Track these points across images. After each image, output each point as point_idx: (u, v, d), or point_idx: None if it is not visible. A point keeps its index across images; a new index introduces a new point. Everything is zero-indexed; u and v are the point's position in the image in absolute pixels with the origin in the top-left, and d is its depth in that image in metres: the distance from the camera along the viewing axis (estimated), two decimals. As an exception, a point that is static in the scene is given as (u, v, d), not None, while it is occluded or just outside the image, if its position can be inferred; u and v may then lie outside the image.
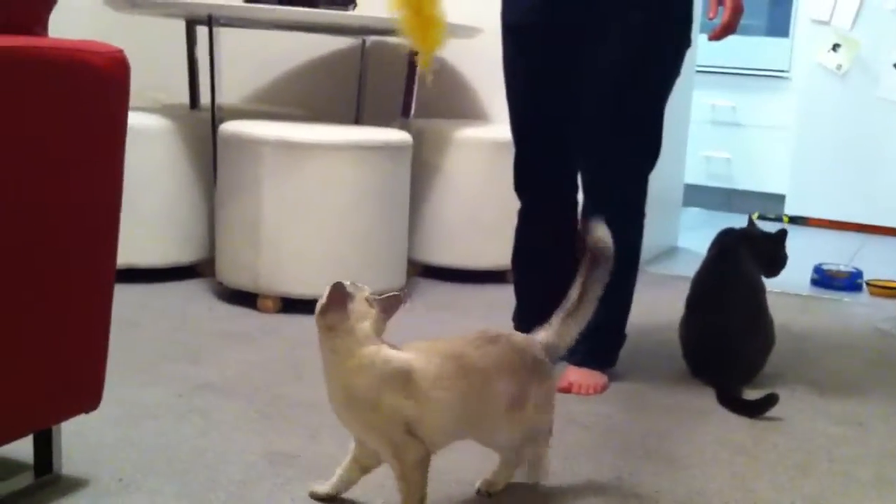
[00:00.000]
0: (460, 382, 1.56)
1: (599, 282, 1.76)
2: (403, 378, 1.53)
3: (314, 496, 1.67)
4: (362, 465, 1.65)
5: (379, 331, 1.57)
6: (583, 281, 1.76)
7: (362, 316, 1.55)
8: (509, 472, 1.73)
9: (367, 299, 1.57)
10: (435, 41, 2.17)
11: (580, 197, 2.44)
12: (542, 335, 1.73)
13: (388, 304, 1.59)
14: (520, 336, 1.71)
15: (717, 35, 2.33)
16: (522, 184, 2.51)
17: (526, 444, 1.70)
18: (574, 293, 1.75)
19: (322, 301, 1.55)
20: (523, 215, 2.55)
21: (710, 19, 2.35)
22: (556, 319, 1.74)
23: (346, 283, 1.56)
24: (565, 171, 2.47)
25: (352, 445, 1.65)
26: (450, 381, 1.55)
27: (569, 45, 2.34)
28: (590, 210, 2.39)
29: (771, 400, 2.21)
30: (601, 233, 1.76)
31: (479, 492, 1.73)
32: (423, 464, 1.55)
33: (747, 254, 2.54)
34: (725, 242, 2.57)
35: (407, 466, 1.54)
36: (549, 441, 1.75)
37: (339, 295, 1.54)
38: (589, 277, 1.75)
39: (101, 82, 1.49)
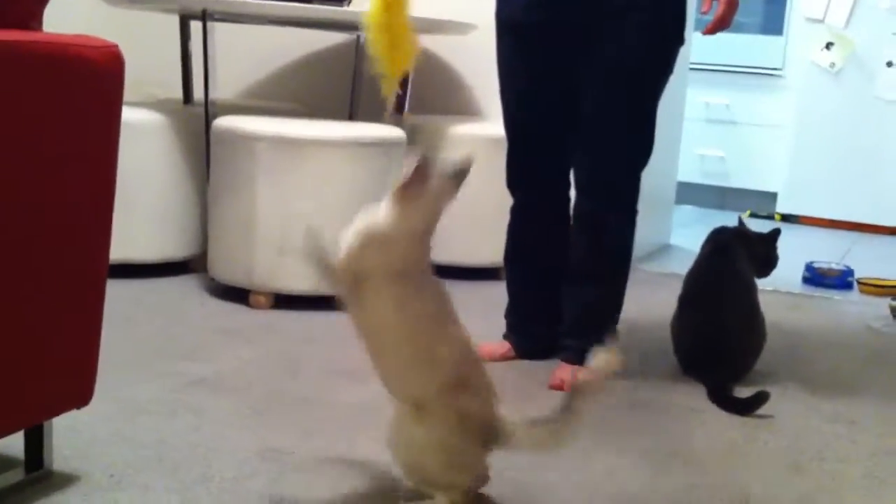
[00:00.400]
0: None
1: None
2: None
3: None
4: None
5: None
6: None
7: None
8: None
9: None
10: (402, 63, 2.12)
11: (573, 193, 2.44)
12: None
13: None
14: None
15: (711, 30, 2.33)
16: (515, 180, 2.51)
17: None
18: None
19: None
20: (516, 212, 2.55)
21: (704, 13, 2.35)
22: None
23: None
24: (558, 168, 2.48)
25: None
26: None
27: (563, 44, 2.34)
28: (582, 206, 2.39)
29: (761, 398, 2.21)
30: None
31: None
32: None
33: (741, 252, 2.55)
34: (719, 240, 2.58)
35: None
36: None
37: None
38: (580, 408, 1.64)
39: (95, 77, 1.49)
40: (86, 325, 1.61)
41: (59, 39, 1.44)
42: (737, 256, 2.53)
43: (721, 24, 2.32)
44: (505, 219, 2.57)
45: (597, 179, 2.37)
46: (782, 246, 2.69)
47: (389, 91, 2.11)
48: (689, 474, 1.87)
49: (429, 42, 3.82)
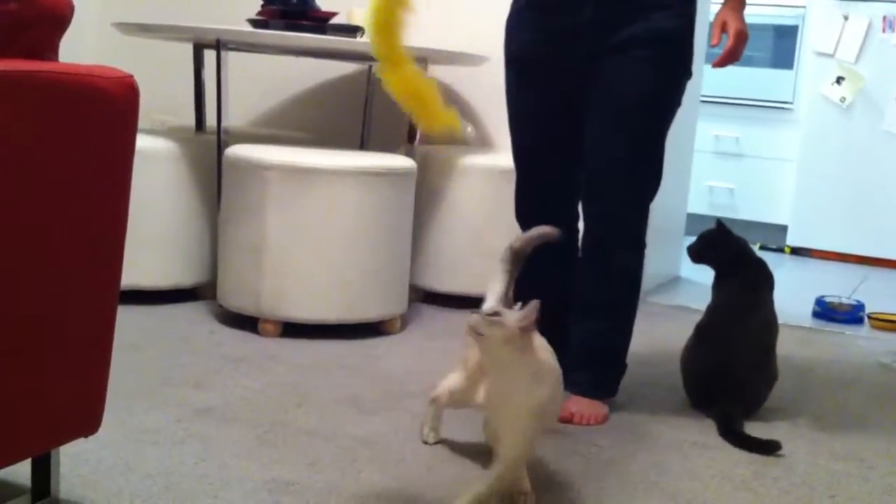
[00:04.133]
0: (558, 375, 1.75)
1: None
2: (558, 379, 1.72)
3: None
4: None
5: None
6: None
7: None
8: None
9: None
10: (447, 121, 2.15)
11: (581, 226, 2.44)
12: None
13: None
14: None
15: (721, 62, 2.34)
16: (524, 212, 2.51)
17: None
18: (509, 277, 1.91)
19: (519, 324, 1.62)
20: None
21: (713, 46, 2.36)
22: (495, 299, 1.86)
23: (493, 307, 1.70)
24: (566, 200, 2.48)
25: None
26: (558, 376, 1.73)
27: (571, 77, 2.35)
28: (590, 238, 2.39)
29: (773, 447, 2.19)
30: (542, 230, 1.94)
31: None
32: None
33: (767, 289, 2.53)
34: (751, 277, 2.55)
35: (520, 462, 1.70)
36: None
37: (538, 312, 1.63)
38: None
39: (110, 107, 1.49)
40: (95, 352, 1.60)
41: (75, 70, 1.45)
42: (764, 294, 2.52)
43: (731, 58, 2.33)
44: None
45: (604, 213, 2.37)
46: (792, 280, 2.68)
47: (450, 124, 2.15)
48: (698, 511, 1.86)
49: (441, 73, 3.84)
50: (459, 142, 3.57)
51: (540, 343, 1.75)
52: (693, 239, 2.67)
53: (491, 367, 1.65)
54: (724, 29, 2.34)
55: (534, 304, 1.60)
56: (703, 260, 2.62)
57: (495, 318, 1.62)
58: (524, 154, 2.49)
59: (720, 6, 2.38)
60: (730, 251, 2.58)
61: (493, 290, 1.86)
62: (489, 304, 1.78)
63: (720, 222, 2.63)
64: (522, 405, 1.64)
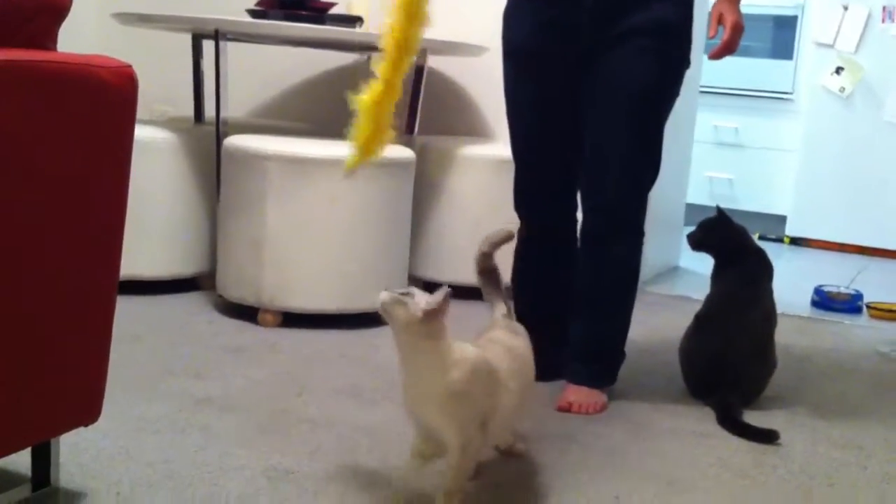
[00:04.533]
0: (520, 374, 1.76)
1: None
2: (489, 371, 1.68)
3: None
4: (425, 457, 1.71)
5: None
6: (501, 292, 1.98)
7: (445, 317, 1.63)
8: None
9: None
10: (374, 152, 2.18)
11: (580, 216, 2.44)
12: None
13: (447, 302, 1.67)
14: (516, 324, 1.95)
15: (717, 54, 2.34)
16: (523, 203, 2.52)
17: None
18: (500, 300, 1.98)
19: (424, 308, 1.58)
20: (523, 234, 2.55)
21: (711, 38, 2.36)
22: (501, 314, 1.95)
23: (408, 289, 1.64)
24: (565, 191, 2.48)
25: (413, 445, 1.72)
26: (514, 372, 1.74)
27: (568, 69, 2.35)
28: (589, 229, 2.39)
29: (772, 436, 2.20)
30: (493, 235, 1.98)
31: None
32: (477, 455, 1.69)
33: (767, 280, 2.54)
34: (747, 270, 2.55)
35: (466, 457, 1.64)
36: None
37: (447, 300, 1.59)
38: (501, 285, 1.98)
39: (109, 96, 1.50)
40: (94, 342, 1.61)
41: (74, 59, 1.45)
42: (764, 284, 2.52)
43: (727, 49, 2.33)
44: (511, 242, 2.57)
45: (603, 203, 2.37)
46: (791, 269, 2.69)
47: (351, 165, 2.17)
48: (698, 500, 1.86)
49: (440, 63, 3.84)
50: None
51: (499, 335, 1.82)
52: (692, 228, 2.67)
53: (398, 348, 1.64)
54: (720, 21, 2.34)
55: (443, 291, 1.57)
56: (702, 248, 2.62)
57: (403, 298, 1.60)
58: (523, 145, 2.49)
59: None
60: (729, 239, 2.58)
61: (495, 305, 1.96)
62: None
63: (720, 209, 2.63)
64: (430, 391, 1.61)
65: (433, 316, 1.58)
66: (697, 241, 2.63)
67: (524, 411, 1.90)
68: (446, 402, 1.61)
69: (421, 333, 1.59)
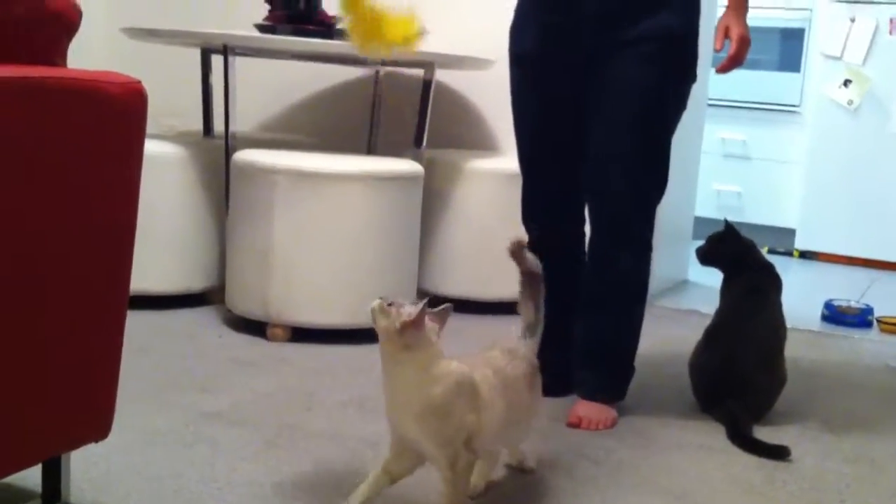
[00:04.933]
0: (506, 392, 1.72)
1: (541, 295, 1.93)
2: (471, 388, 1.65)
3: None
4: (392, 476, 1.69)
5: (436, 339, 1.66)
6: (535, 301, 1.92)
7: (431, 330, 1.64)
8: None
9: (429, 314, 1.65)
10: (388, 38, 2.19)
11: (587, 229, 2.44)
12: (528, 345, 1.90)
13: (443, 317, 1.68)
14: (521, 347, 1.88)
15: (725, 67, 2.33)
16: (530, 215, 2.51)
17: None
18: (530, 311, 1.93)
19: (404, 319, 1.58)
20: (530, 247, 2.55)
21: (717, 51, 2.35)
22: (528, 333, 1.92)
23: (401, 300, 1.65)
24: (573, 203, 2.48)
25: (384, 458, 1.69)
26: (500, 392, 1.70)
27: (574, 76, 2.35)
28: (596, 242, 2.39)
29: (782, 451, 2.19)
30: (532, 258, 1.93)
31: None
32: (470, 471, 1.68)
33: (774, 293, 2.53)
34: (753, 282, 2.54)
35: (457, 473, 1.63)
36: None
37: (424, 313, 1.60)
38: (537, 295, 1.92)
39: (118, 112, 1.50)
40: (105, 357, 1.61)
41: (84, 75, 1.46)
42: (772, 298, 2.52)
43: (734, 62, 2.32)
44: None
45: (610, 216, 2.36)
46: (801, 283, 2.68)
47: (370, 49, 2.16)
48: (707, 514, 1.86)
49: (448, 77, 3.85)
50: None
51: (494, 355, 1.79)
52: (700, 242, 2.67)
53: (381, 357, 1.64)
54: (727, 34, 2.34)
55: (421, 303, 1.57)
56: (710, 262, 2.62)
57: (388, 308, 1.60)
58: (529, 155, 2.48)
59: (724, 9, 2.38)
60: (737, 253, 2.58)
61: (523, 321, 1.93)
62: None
63: (728, 223, 2.63)
64: (409, 403, 1.60)
65: (410, 327, 1.58)
66: (705, 256, 2.62)
67: (525, 430, 1.89)
68: (425, 416, 1.60)
69: (400, 344, 1.59)
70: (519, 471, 1.97)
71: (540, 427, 2.28)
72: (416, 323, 1.58)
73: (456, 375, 1.63)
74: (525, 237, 1.92)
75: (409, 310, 1.59)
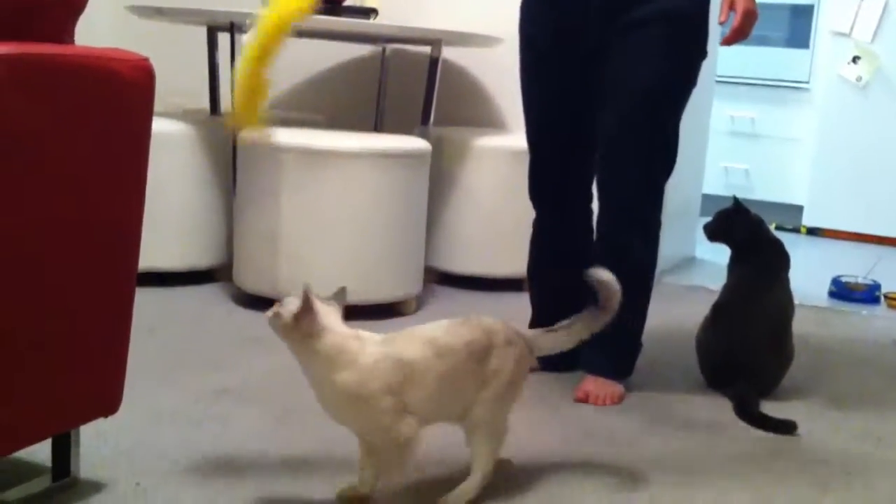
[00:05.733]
0: (434, 369, 1.62)
1: (599, 322, 1.83)
2: (389, 365, 1.59)
3: (348, 500, 1.71)
4: (375, 456, 1.68)
5: (341, 323, 1.62)
6: (591, 316, 1.82)
7: (328, 313, 1.60)
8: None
9: (321, 297, 1.63)
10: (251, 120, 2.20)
11: (595, 206, 2.44)
12: (531, 332, 1.79)
13: (339, 299, 1.66)
14: (494, 321, 1.73)
15: (729, 40, 2.31)
16: (537, 192, 2.51)
17: (474, 433, 1.71)
18: (583, 316, 1.82)
19: (292, 311, 1.57)
20: (538, 224, 2.55)
21: (721, 24, 2.34)
22: (556, 328, 1.81)
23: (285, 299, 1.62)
24: (580, 180, 2.47)
25: (359, 442, 1.69)
26: (426, 367, 1.61)
27: (583, 59, 2.34)
28: (604, 221, 2.38)
29: (790, 426, 2.19)
30: (611, 282, 1.83)
31: None
32: (413, 441, 1.61)
33: (783, 270, 2.53)
34: (767, 258, 2.54)
35: (399, 443, 1.59)
36: (497, 444, 1.72)
37: (310, 300, 1.57)
38: (595, 316, 1.82)
39: (126, 90, 1.50)
40: (114, 333, 1.62)
41: (91, 53, 1.46)
42: (779, 273, 2.51)
43: (738, 35, 2.30)
44: (526, 230, 2.57)
45: (619, 194, 2.36)
46: (808, 260, 2.67)
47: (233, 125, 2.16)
48: (715, 491, 1.86)
49: (455, 54, 3.83)
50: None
51: (432, 327, 1.68)
52: (709, 219, 2.66)
53: (297, 359, 1.63)
54: (731, 6, 2.32)
55: (301, 290, 1.56)
56: (718, 238, 2.62)
57: (277, 308, 1.59)
58: (538, 136, 2.48)
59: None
60: (746, 230, 2.57)
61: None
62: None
63: (737, 200, 2.62)
64: (326, 393, 1.59)
65: (301, 316, 1.56)
66: (713, 232, 2.62)
67: (478, 405, 1.68)
68: (339, 404, 1.59)
69: (301, 336, 1.57)
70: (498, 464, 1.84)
71: (548, 402, 2.29)
72: (304, 310, 1.56)
73: (365, 357, 1.58)
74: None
75: (294, 301, 1.58)
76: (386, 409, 1.58)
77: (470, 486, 1.69)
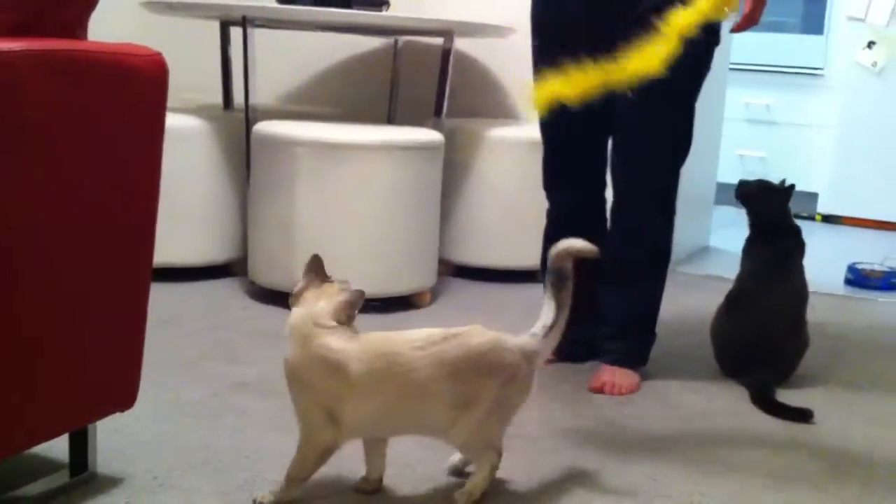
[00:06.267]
0: (386, 382, 1.60)
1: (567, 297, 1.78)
2: (334, 366, 1.58)
3: (362, 491, 1.72)
4: (373, 442, 1.72)
5: (341, 317, 1.63)
6: (559, 302, 1.76)
7: (323, 296, 1.64)
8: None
9: (338, 286, 1.68)
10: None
11: (609, 195, 2.43)
12: (525, 341, 1.71)
13: (355, 297, 1.66)
14: (487, 337, 1.66)
15: (739, 27, 2.30)
16: (551, 182, 2.51)
17: (467, 454, 1.72)
18: (551, 311, 1.76)
19: (294, 292, 1.67)
20: (552, 215, 2.55)
21: (732, 11, 2.32)
22: (540, 328, 1.74)
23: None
24: (594, 170, 2.47)
25: None
26: (375, 379, 1.59)
27: (595, 45, 2.33)
28: (620, 207, 2.38)
29: (806, 414, 2.18)
30: (580, 244, 1.79)
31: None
32: (325, 452, 1.62)
33: (799, 258, 2.51)
34: (785, 245, 2.52)
35: (310, 447, 1.62)
36: (490, 468, 1.67)
37: (310, 268, 1.68)
38: (561, 297, 1.76)
39: (140, 84, 1.51)
40: (130, 328, 1.63)
41: (105, 48, 1.46)
42: (796, 262, 2.50)
43: (748, 22, 2.29)
44: (541, 221, 2.56)
45: (634, 180, 2.35)
46: (824, 247, 2.66)
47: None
48: (733, 479, 1.86)
49: (467, 45, 3.83)
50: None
51: (403, 338, 1.65)
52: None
53: None
54: None
55: (312, 257, 1.70)
56: (748, 202, 2.57)
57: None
58: (550, 124, 2.48)
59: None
60: (777, 209, 2.54)
61: (541, 319, 1.76)
62: (536, 329, 1.72)
63: (791, 186, 2.58)
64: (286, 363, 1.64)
65: (297, 294, 1.66)
66: (747, 195, 2.57)
67: (440, 425, 1.64)
68: (287, 379, 1.63)
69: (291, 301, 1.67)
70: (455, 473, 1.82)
71: (565, 392, 2.29)
72: (300, 287, 1.67)
73: (325, 351, 1.58)
74: (572, 245, 1.78)
75: (300, 282, 1.67)
76: (310, 406, 1.60)
77: (480, 478, 1.67)
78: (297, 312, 1.64)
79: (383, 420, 1.63)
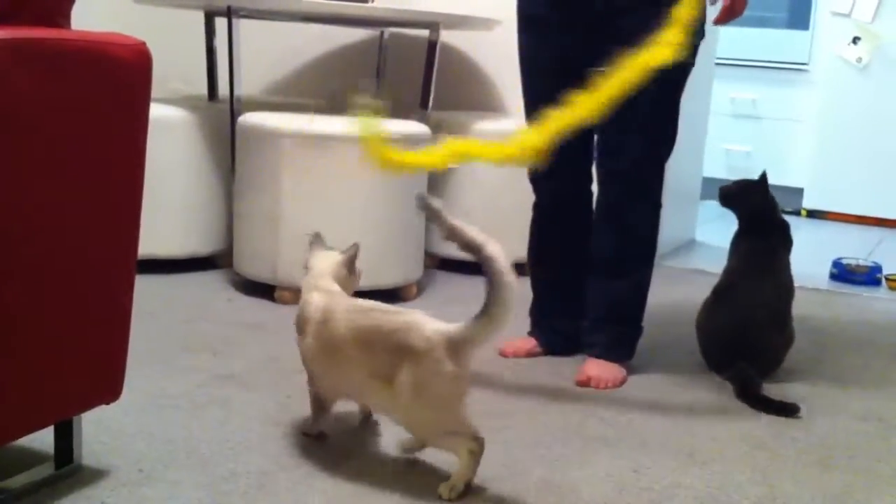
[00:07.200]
0: (317, 339, 1.79)
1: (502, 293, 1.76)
2: (303, 321, 1.82)
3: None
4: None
5: (341, 273, 1.90)
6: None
7: (325, 259, 1.90)
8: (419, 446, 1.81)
9: (346, 255, 1.93)
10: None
11: (594, 188, 2.43)
12: (450, 328, 1.68)
13: (350, 252, 1.93)
14: (406, 319, 1.70)
15: (721, 19, 2.30)
16: (537, 175, 2.50)
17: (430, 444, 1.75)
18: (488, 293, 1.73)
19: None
20: (538, 208, 2.55)
21: (712, 3, 2.32)
22: (473, 318, 1.70)
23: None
24: (580, 162, 2.46)
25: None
26: (318, 335, 1.78)
27: (580, 36, 2.33)
28: (605, 198, 2.38)
29: (791, 409, 2.19)
30: (475, 234, 1.82)
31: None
32: (316, 401, 1.88)
33: (784, 253, 2.52)
34: (772, 241, 2.53)
35: (310, 396, 1.89)
36: (468, 455, 1.67)
37: (311, 246, 1.94)
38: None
39: (123, 74, 1.49)
40: (115, 320, 1.61)
41: (88, 37, 1.45)
42: (781, 256, 2.51)
43: (730, 14, 2.29)
44: (527, 214, 2.56)
45: (619, 171, 2.36)
46: (809, 242, 2.66)
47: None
48: (717, 472, 1.86)
49: (453, 38, 3.82)
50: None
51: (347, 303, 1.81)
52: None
53: None
54: None
55: (312, 233, 1.98)
56: (732, 203, 2.59)
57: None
58: (537, 116, 2.47)
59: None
60: (761, 203, 2.55)
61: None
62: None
63: (764, 175, 2.59)
64: None
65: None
66: (730, 196, 2.59)
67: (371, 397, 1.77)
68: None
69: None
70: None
71: (551, 386, 2.29)
72: (304, 259, 1.91)
73: (302, 307, 1.83)
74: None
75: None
76: (302, 358, 1.84)
77: (462, 468, 1.67)
78: (305, 277, 1.88)
79: (330, 376, 1.81)
